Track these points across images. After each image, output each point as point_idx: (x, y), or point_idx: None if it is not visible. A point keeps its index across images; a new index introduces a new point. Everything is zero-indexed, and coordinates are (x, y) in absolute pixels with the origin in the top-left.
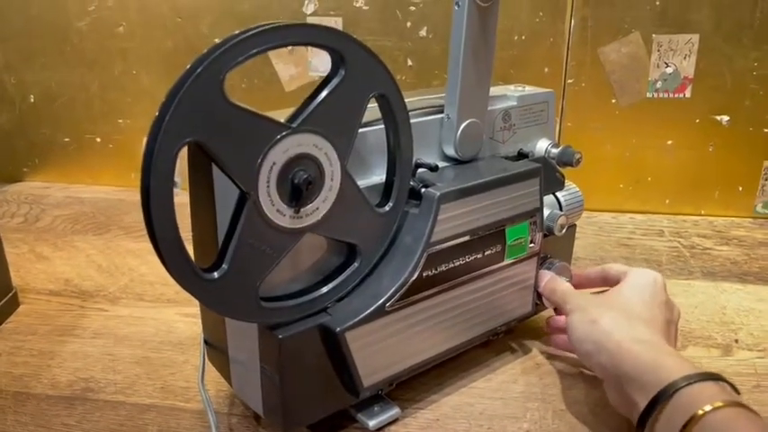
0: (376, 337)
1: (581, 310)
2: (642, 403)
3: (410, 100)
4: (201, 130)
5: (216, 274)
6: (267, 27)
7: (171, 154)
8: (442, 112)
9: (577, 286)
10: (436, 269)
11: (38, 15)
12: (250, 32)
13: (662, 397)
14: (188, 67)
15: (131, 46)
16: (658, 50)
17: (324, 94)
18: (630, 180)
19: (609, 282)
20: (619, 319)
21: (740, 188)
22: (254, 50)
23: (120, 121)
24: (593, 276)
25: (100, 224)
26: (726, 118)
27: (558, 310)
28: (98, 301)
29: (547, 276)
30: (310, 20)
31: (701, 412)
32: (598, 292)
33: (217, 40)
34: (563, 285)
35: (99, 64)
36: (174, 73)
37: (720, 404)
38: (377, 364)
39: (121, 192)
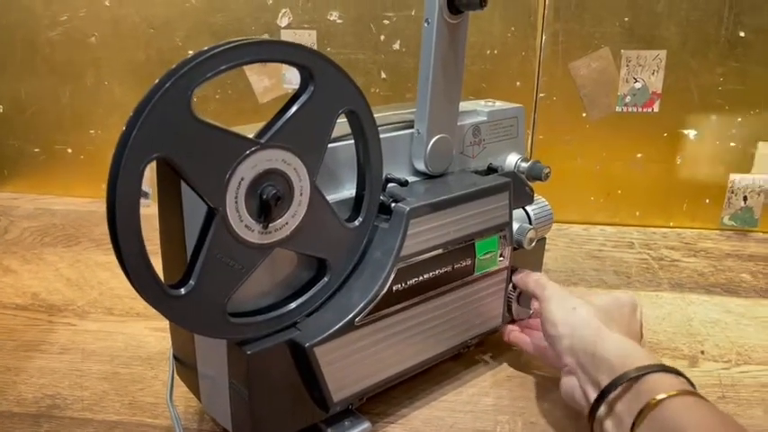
0: (346, 352)
1: (560, 297)
2: (605, 382)
3: (381, 115)
4: (168, 145)
5: (183, 290)
6: (234, 44)
7: (137, 169)
8: (412, 126)
9: None
10: (406, 283)
11: (8, 25)
12: (218, 49)
13: (625, 377)
14: (156, 82)
15: (103, 56)
16: (627, 66)
17: (293, 110)
18: (601, 192)
19: None
20: (598, 313)
21: (707, 201)
22: (223, 67)
23: (92, 131)
24: None
25: (70, 236)
26: (693, 132)
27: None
28: (66, 316)
29: (522, 272)
30: (285, 33)
31: (659, 397)
32: None
33: (191, 52)
34: (538, 274)
35: (70, 74)
36: (146, 84)
37: (678, 392)
38: (347, 379)
39: (93, 203)
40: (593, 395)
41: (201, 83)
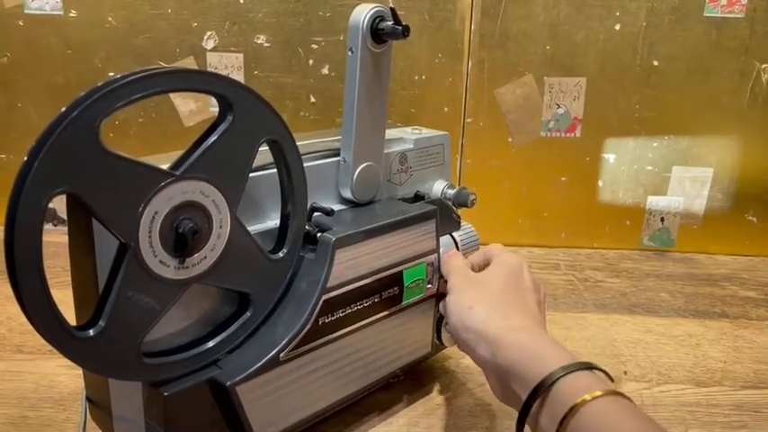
0: (270, 389)
1: (458, 292)
2: (523, 396)
3: (306, 143)
4: (74, 179)
5: (92, 332)
6: (147, 73)
7: (39, 204)
8: (338, 154)
9: None
10: (333, 315)
11: None
12: (128, 79)
13: (540, 389)
14: (61, 111)
15: (17, 78)
16: (550, 92)
17: (211, 140)
18: (528, 215)
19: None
20: (494, 306)
21: (628, 222)
22: (135, 96)
23: (3, 156)
24: (477, 263)
25: None
26: (613, 156)
27: None
28: None
29: (447, 253)
30: (210, 55)
31: (579, 400)
32: None
33: (111, 74)
34: (453, 260)
35: None
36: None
37: (599, 393)
38: (272, 417)
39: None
40: (518, 406)
41: (110, 113)
